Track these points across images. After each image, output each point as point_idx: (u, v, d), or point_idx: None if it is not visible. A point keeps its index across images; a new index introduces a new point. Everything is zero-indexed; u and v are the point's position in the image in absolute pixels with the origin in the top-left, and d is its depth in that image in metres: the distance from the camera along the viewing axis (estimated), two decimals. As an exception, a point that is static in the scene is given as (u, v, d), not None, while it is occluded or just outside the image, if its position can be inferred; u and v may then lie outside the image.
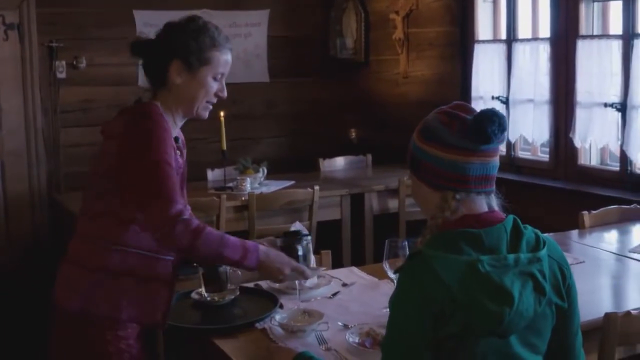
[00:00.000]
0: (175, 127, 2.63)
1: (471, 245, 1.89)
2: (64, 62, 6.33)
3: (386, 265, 2.83)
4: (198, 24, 2.60)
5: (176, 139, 2.62)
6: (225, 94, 2.65)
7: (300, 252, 2.75)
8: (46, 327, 2.64)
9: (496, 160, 2.01)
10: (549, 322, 2.00)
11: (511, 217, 2.00)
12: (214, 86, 2.61)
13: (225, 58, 2.61)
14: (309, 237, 2.86)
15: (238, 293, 2.87)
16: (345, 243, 5.66)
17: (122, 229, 2.51)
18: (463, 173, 1.96)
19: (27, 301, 5.95)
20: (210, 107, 2.66)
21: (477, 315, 1.83)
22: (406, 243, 2.83)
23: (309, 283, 2.95)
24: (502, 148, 5.65)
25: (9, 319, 5.69)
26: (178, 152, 2.60)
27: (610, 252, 3.58)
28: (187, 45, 2.54)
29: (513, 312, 1.84)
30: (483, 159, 1.97)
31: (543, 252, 1.95)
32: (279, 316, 2.64)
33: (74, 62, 6.37)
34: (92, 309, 2.50)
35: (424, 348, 1.86)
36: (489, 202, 2.02)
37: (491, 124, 1.93)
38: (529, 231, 2.00)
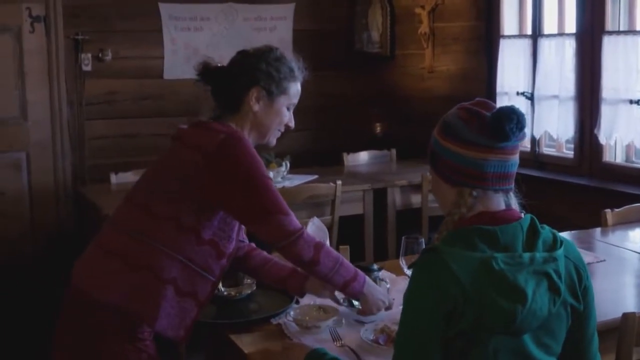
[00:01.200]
0: None
1: (486, 242, 1.89)
2: (89, 55, 6.35)
3: (402, 262, 2.83)
4: (277, 54, 2.67)
5: None
6: (293, 124, 2.73)
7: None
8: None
9: (515, 159, 2.00)
10: (564, 324, 1.98)
11: (529, 216, 1.99)
12: (287, 115, 2.69)
13: (298, 89, 2.71)
14: (379, 273, 2.85)
15: (255, 288, 2.88)
16: (367, 238, 5.64)
17: (181, 236, 2.51)
18: (480, 170, 1.95)
19: (50, 292, 6.00)
20: (279, 134, 2.72)
21: (489, 312, 1.82)
22: (422, 240, 2.83)
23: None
24: (527, 144, 5.62)
25: (32, 309, 5.74)
26: None
27: (633, 251, 3.53)
28: (269, 74, 2.61)
29: (526, 311, 1.83)
30: (501, 157, 1.96)
31: (559, 252, 1.94)
32: (294, 312, 2.64)
33: (100, 55, 6.39)
34: (127, 306, 2.47)
35: (435, 345, 1.85)
36: (506, 201, 2.01)
37: (509, 122, 1.92)
38: (546, 231, 1.99)
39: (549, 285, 1.89)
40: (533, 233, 1.96)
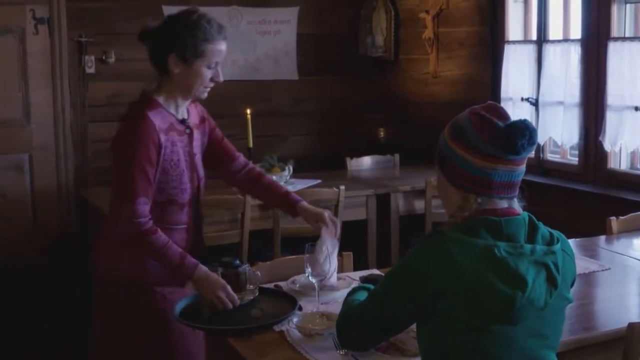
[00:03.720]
0: (179, 109, 2.99)
1: (490, 231, 1.95)
2: (93, 57, 6.35)
3: None
4: (192, 19, 2.86)
5: (183, 121, 3.00)
6: (220, 78, 2.95)
7: (242, 282, 2.83)
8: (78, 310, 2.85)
9: (522, 168, 2.04)
10: (562, 316, 2.07)
11: (526, 213, 2.05)
12: (209, 74, 2.91)
13: (218, 49, 2.90)
14: (246, 266, 2.90)
15: (257, 294, 2.86)
16: (370, 244, 5.62)
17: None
18: (488, 178, 1.99)
19: (52, 294, 5.99)
20: (208, 89, 2.97)
21: (488, 297, 1.88)
22: None
23: (329, 284, 2.93)
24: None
25: (34, 311, 5.73)
26: (187, 132, 3.00)
27: (638, 259, 3.51)
28: (182, 40, 2.85)
29: (525, 298, 1.89)
30: (510, 167, 1.99)
31: (557, 247, 2.00)
32: (297, 319, 2.62)
33: (103, 57, 6.38)
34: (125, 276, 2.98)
35: (402, 313, 2.02)
36: (509, 205, 2.05)
37: (522, 137, 1.96)
38: (543, 227, 2.05)
39: (547, 277, 1.95)
40: (533, 228, 2.02)
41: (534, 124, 5.35)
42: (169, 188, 2.93)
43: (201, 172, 3.10)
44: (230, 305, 2.74)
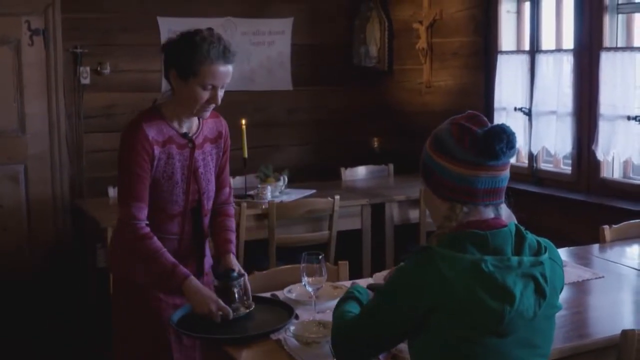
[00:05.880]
0: (182, 124, 3.02)
1: (476, 245, 1.95)
2: (88, 68, 6.37)
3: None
4: (194, 39, 2.88)
5: (185, 135, 3.01)
6: (217, 101, 2.93)
7: (236, 295, 2.84)
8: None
9: (506, 174, 2.04)
10: (551, 325, 2.07)
11: (512, 223, 2.05)
12: (204, 95, 2.90)
13: (213, 71, 2.87)
14: (242, 279, 2.91)
15: (253, 307, 2.86)
16: (365, 253, 5.64)
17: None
18: (471, 187, 2.00)
19: (47, 304, 5.99)
20: (209, 109, 2.97)
21: (478, 312, 1.88)
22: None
23: (325, 294, 2.95)
24: (524, 160, 5.63)
25: (29, 322, 5.73)
26: (190, 146, 3.02)
27: (632, 267, 3.53)
28: (180, 60, 2.89)
29: (514, 312, 1.90)
30: (492, 173, 2.00)
31: (545, 257, 2.00)
32: (293, 327, 2.63)
33: (98, 68, 6.40)
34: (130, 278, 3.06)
35: (392, 332, 2.04)
36: (496, 213, 2.06)
37: (499, 142, 1.97)
38: (530, 236, 2.05)
39: (536, 288, 1.95)
40: (520, 238, 2.02)
41: (527, 133, 5.45)
42: (159, 198, 2.98)
43: (205, 185, 3.10)
44: (219, 320, 2.74)
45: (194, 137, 3.04)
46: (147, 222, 2.92)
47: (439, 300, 1.90)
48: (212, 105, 2.95)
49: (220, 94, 2.93)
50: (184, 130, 3.02)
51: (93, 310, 5.62)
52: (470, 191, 1.99)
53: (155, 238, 2.91)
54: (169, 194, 2.99)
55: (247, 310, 2.83)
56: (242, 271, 2.99)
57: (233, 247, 3.14)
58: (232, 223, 3.25)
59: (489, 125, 2.03)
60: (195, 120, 3.06)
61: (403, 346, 2.30)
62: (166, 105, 3.01)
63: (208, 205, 3.14)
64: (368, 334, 2.09)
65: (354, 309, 2.29)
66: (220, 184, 3.21)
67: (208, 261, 3.21)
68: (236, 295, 2.83)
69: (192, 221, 3.09)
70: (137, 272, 3.00)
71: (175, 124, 3.00)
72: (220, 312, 2.74)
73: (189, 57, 2.85)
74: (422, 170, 2.10)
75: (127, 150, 2.91)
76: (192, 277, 2.85)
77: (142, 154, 2.89)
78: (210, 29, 2.94)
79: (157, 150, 2.92)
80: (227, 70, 2.91)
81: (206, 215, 3.14)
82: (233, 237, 3.19)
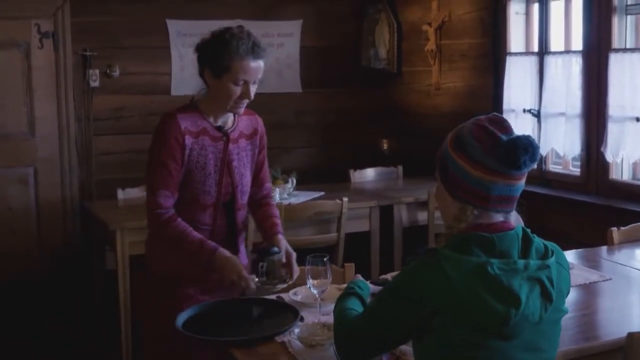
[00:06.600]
0: (218, 119, 3.13)
1: (483, 248, 1.94)
2: (97, 71, 6.38)
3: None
4: (223, 37, 2.99)
5: (219, 128, 3.12)
6: (250, 96, 3.03)
7: (263, 269, 2.98)
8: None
9: (522, 184, 2.03)
10: (557, 329, 2.06)
11: (520, 226, 2.04)
12: (237, 90, 3.00)
13: (244, 66, 2.97)
14: (276, 256, 3.03)
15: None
16: (374, 255, 5.64)
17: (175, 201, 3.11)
18: (486, 192, 1.98)
19: (56, 307, 6.01)
20: (243, 105, 3.08)
21: (482, 315, 1.88)
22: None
23: (330, 297, 2.94)
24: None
25: (38, 325, 5.74)
26: (224, 139, 3.12)
27: (639, 269, 3.51)
28: (212, 57, 3.00)
29: (519, 315, 1.89)
30: (509, 182, 1.99)
31: (552, 260, 2.00)
32: (298, 329, 2.63)
33: (107, 71, 6.42)
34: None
35: (395, 332, 2.04)
36: (505, 218, 2.05)
37: (524, 153, 1.95)
38: (537, 240, 2.05)
39: (542, 292, 1.95)
40: (527, 241, 2.01)
41: (536, 135, 5.43)
42: (192, 188, 3.08)
43: (239, 179, 3.19)
44: (242, 289, 2.94)
45: (229, 131, 3.15)
46: (174, 210, 3.03)
47: (443, 301, 1.90)
48: (246, 101, 3.05)
49: (253, 89, 3.03)
50: (220, 123, 3.13)
51: (94, 310, 5.64)
52: (484, 196, 1.98)
53: (179, 220, 3.02)
54: (201, 184, 3.09)
55: (284, 285, 2.98)
56: (290, 250, 3.13)
57: (280, 228, 3.27)
58: (277, 211, 3.40)
59: (513, 132, 2.02)
60: (230, 116, 3.17)
61: (407, 348, 2.30)
62: (202, 101, 3.12)
63: (242, 199, 3.24)
64: (372, 333, 2.10)
65: (355, 306, 2.29)
66: (260, 181, 3.37)
67: (243, 258, 3.28)
68: (264, 269, 2.96)
69: (225, 214, 3.19)
70: (169, 258, 3.11)
71: (211, 119, 3.11)
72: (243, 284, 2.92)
73: (220, 54, 2.95)
74: (439, 166, 2.09)
75: (158, 139, 3.04)
76: (221, 249, 3.00)
77: (172, 142, 3.00)
78: (240, 26, 3.03)
79: (188, 140, 3.03)
80: (257, 65, 3.01)
81: (239, 209, 3.24)
82: (279, 221, 3.32)
